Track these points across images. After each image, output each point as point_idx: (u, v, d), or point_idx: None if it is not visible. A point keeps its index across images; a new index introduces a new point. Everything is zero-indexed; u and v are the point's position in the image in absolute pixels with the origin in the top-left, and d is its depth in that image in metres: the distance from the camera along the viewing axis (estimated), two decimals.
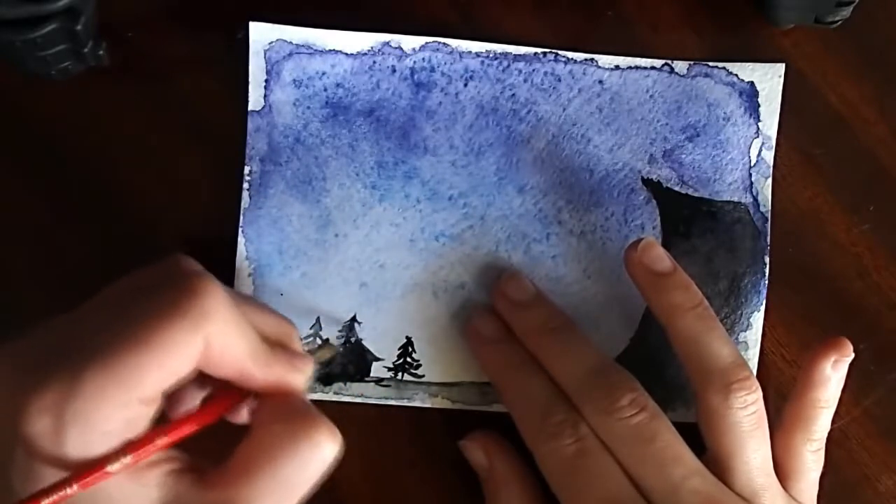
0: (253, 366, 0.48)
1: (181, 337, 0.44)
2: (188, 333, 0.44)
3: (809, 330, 0.61)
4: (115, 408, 0.43)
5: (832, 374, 0.55)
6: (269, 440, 0.47)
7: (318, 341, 0.59)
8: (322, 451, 0.47)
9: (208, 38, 0.60)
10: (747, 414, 0.53)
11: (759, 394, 0.53)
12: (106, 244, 0.59)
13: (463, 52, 0.59)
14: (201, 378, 0.48)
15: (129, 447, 0.44)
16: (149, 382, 0.44)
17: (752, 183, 0.60)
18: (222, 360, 0.47)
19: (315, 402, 0.58)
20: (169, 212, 0.59)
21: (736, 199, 0.60)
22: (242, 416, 0.50)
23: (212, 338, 0.45)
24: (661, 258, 0.55)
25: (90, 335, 0.44)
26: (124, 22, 0.60)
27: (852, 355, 0.56)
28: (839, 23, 0.59)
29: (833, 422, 0.57)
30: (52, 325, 0.47)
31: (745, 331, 0.60)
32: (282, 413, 0.48)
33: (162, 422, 0.47)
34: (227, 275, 0.59)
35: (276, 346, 0.50)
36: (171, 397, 0.48)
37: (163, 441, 0.46)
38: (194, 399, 0.50)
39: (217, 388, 0.50)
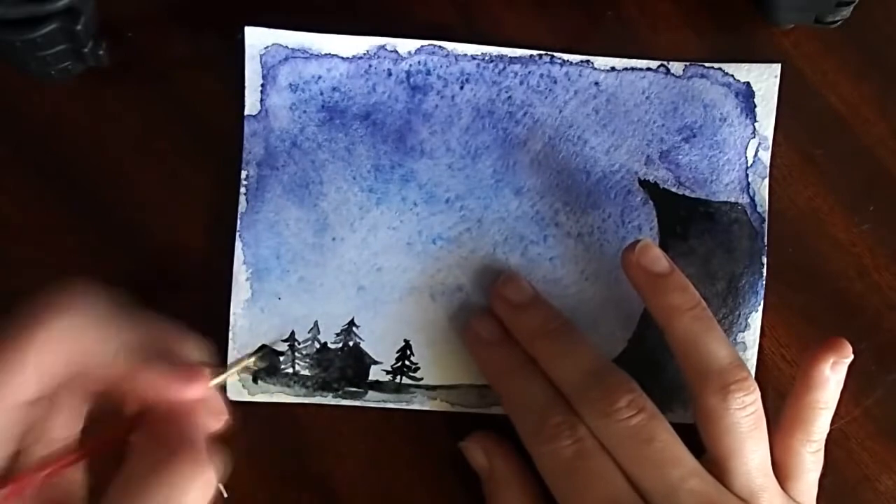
0: (123, 368, 0.47)
1: (30, 332, 0.45)
2: (36, 327, 0.45)
3: (809, 330, 0.61)
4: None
5: (831, 376, 0.55)
6: (136, 472, 0.46)
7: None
8: (187, 488, 0.45)
9: (208, 39, 0.60)
10: (745, 415, 0.53)
11: (758, 394, 0.53)
12: (104, 245, 0.59)
13: (459, 55, 0.59)
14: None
15: (5, 482, 0.45)
16: (11, 382, 0.44)
17: (748, 183, 0.60)
18: (85, 359, 0.46)
19: (313, 406, 0.58)
20: (167, 213, 0.59)
21: (733, 199, 0.60)
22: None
23: (68, 332, 0.46)
24: (659, 259, 0.55)
25: None
26: (124, 22, 0.60)
27: (851, 356, 0.56)
28: (839, 23, 0.59)
29: (833, 422, 0.56)
30: None
31: (743, 331, 0.60)
32: (156, 443, 0.47)
33: None
34: (224, 279, 0.59)
35: (157, 357, 0.49)
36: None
37: (41, 476, 0.46)
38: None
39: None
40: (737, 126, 0.60)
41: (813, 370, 0.55)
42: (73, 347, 0.46)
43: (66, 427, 0.49)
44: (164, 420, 0.48)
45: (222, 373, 0.56)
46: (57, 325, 0.45)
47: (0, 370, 0.44)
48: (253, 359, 0.58)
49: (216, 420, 0.51)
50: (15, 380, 0.45)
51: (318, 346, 0.59)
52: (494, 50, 0.60)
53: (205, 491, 0.46)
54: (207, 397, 0.50)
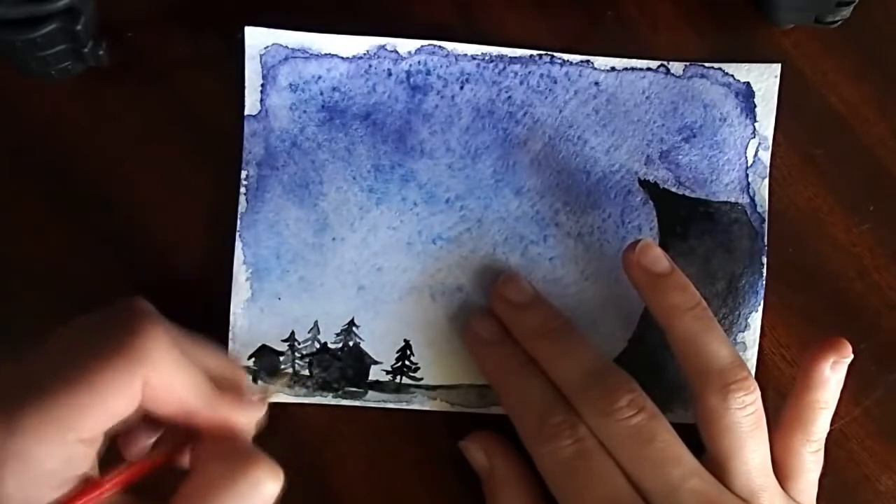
0: (197, 405, 0.48)
1: (119, 378, 0.45)
2: (125, 375, 0.45)
3: (809, 330, 0.61)
4: (54, 447, 0.44)
5: (831, 376, 0.55)
6: (208, 479, 0.47)
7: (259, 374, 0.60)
8: (262, 489, 0.47)
9: (208, 39, 0.60)
10: (746, 414, 0.53)
11: (758, 394, 0.53)
12: (104, 245, 0.59)
13: (459, 55, 0.59)
14: (154, 418, 0.48)
15: (76, 496, 0.45)
16: (87, 423, 0.44)
17: (748, 183, 0.60)
18: (166, 400, 0.47)
19: (313, 406, 0.58)
20: (167, 213, 0.59)
21: (733, 199, 0.60)
22: (186, 460, 0.51)
23: (152, 379, 0.46)
24: (660, 259, 0.55)
25: (32, 376, 0.45)
26: (124, 22, 0.60)
27: (851, 356, 0.56)
28: (839, 23, 0.59)
29: (833, 422, 0.56)
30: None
31: (743, 331, 0.60)
32: (222, 452, 0.48)
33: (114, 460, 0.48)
34: (224, 279, 0.59)
35: (225, 387, 0.50)
36: (125, 435, 0.49)
37: (108, 488, 0.47)
38: (148, 437, 0.51)
39: (168, 429, 0.51)
40: (737, 126, 0.60)
41: (813, 370, 0.55)
42: (157, 393, 0.47)
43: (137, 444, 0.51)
44: (219, 432, 0.50)
45: (270, 389, 0.57)
46: (146, 372, 0.46)
47: (110, 384, 0.45)
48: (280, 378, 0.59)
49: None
50: (103, 422, 0.46)
51: (318, 346, 0.59)
52: (494, 50, 0.60)
53: (276, 486, 0.47)
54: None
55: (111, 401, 0.45)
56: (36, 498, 0.44)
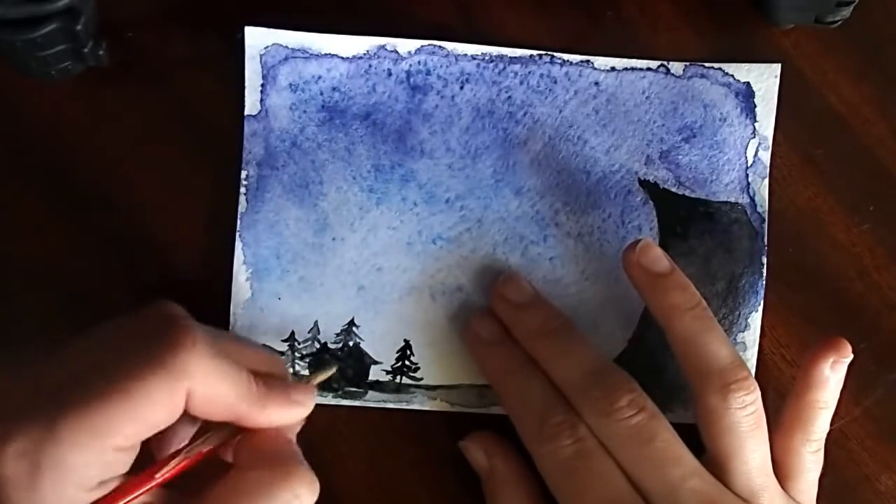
0: (247, 409, 0.48)
1: (160, 390, 0.45)
2: (167, 387, 0.45)
3: (809, 330, 0.61)
4: (91, 456, 0.44)
5: (831, 375, 0.55)
6: (247, 485, 0.47)
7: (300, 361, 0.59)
8: (299, 500, 0.47)
9: (208, 39, 0.60)
10: (746, 414, 0.53)
11: (758, 394, 0.53)
12: (104, 245, 0.59)
13: (459, 55, 0.59)
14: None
15: (114, 496, 0.46)
16: (126, 433, 0.44)
17: (748, 183, 0.60)
18: (212, 408, 0.47)
19: (314, 406, 0.58)
20: (167, 213, 0.59)
21: (733, 199, 0.60)
22: (228, 454, 0.51)
23: (196, 390, 0.46)
24: (660, 259, 0.55)
25: (69, 382, 0.45)
26: (124, 22, 0.60)
27: (851, 356, 0.56)
28: (839, 23, 0.59)
29: (833, 422, 0.56)
30: (30, 370, 0.47)
31: (743, 331, 0.60)
32: (263, 457, 0.48)
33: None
34: (224, 279, 0.59)
35: (269, 380, 0.50)
36: (160, 434, 0.48)
37: (146, 488, 0.47)
38: (185, 434, 0.51)
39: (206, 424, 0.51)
40: (737, 126, 0.60)
41: (813, 369, 0.55)
42: (197, 403, 0.47)
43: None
44: (262, 430, 0.50)
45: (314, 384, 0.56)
46: (185, 384, 0.46)
47: (151, 396, 0.45)
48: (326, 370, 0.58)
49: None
50: (140, 432, 0.46)
51: (317, 345, 0.59)
52: (494, 50, 0.60)
53: (312, 498, 0.48)
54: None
55: (150, 413, 0.45)
56: (72, 501, 0.44)
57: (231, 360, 0.48)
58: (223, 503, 0.46)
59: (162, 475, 0.47)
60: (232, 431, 0.50)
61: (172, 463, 0.48)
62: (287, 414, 0.50)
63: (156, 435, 0.47)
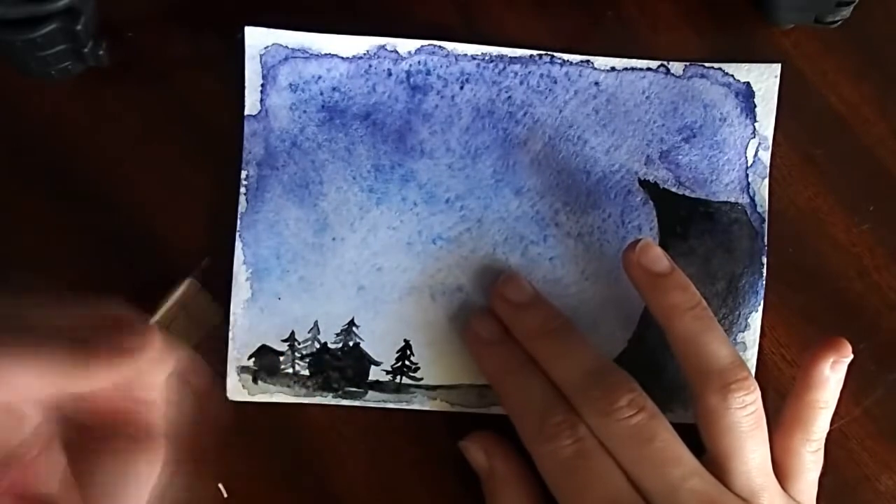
0: (66, 378, 0.42)
1: None
2: None
3: (809, 330, 0.61)
4: None
5: (831, 375, 0.55)
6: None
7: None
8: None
9: (208, 39, 0.60)
10: (746, 414, 0.53)
11: (758, 394, 0.53)
12: (104, 245, 0.59)
13: (459, 55, 0.59)
14: None
15: None
16: None
17: (748, 183, 0.60)
18: (17, 395, 0.43)
19: (313, 406, 0.59)
20: (167, 213, 0.59)
21: (733, 199, 0.60)
22: None
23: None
24: (660, 258, 0.55)
25: None
26: (124, 22, 0.60)
27: (851, 356, 0.56)
28: (839, 23, 0.59)
29: (833, 422, 0.57)
30: None
31: (743, 331, 0.60)
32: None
33: None
34: (224, 279, 0.59)
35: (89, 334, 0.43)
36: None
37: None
38: None
39: None
40: (737, 126, 0.60)
41: (813, 369, 0.55)
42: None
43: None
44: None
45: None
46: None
47: None
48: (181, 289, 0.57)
49: (165, 365, 0.47)
50: None
51: (317, 346, 0.59)
52: (494, 50, 0.60)
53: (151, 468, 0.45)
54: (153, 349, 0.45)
55: None
56: None
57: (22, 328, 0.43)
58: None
59: None
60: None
61: None
62: (121, 366, 0.44)
63: None
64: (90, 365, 0.42)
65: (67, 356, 0.42)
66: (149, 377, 0.46)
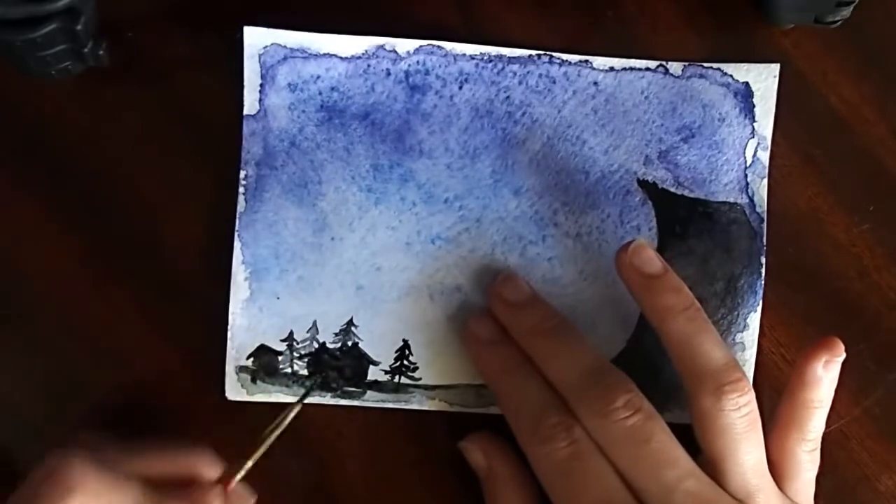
0: None
1: None
2: None
3: (809, 330, 0.61)
4: None
5: (824, 375, 0.55)
6: None
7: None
8: None
9: (208, 39, 0.60)
10: (740, 416, 0.52)
11: (752, 395, 0.53)
12: (104, 244, 0.59)
13: (457, 55, 0.59)
14: None
15: None
16: None
17: (747, 183, 0.60)
18: None
19: (312, 406, 0.59)
20: (167, 213, 0.59)
21: (732, 199, 0.60)
22: None
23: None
24: (652, 260, 0.55)
25: None
26: (124, 22, 0.60)
27: (843, 355, 0.55)
28: (839, 23, 0.59)
29: (833, 422, 0.57)
30: None
31: (742, 331, 0.60)
32: None
33: None
34: (223, 278, 0.59)
35: (169, 486, 0.50)
36: None
37: None
38: None
39: None
40: (735, 126, 0.60)
41: (805, 369, 0.55)
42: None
43: None
44: None
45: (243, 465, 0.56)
46: (87, 484, 0.46)
47: None
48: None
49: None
50: None
51: (316, 345, 0.59)
52: (493, 50, 0.60)
53: None
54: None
55: None
56: None
57: (118, 471, 0.48)
58: None
59: None
60: None
61: None
62: None
63: None
64: None
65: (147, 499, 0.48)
66: None
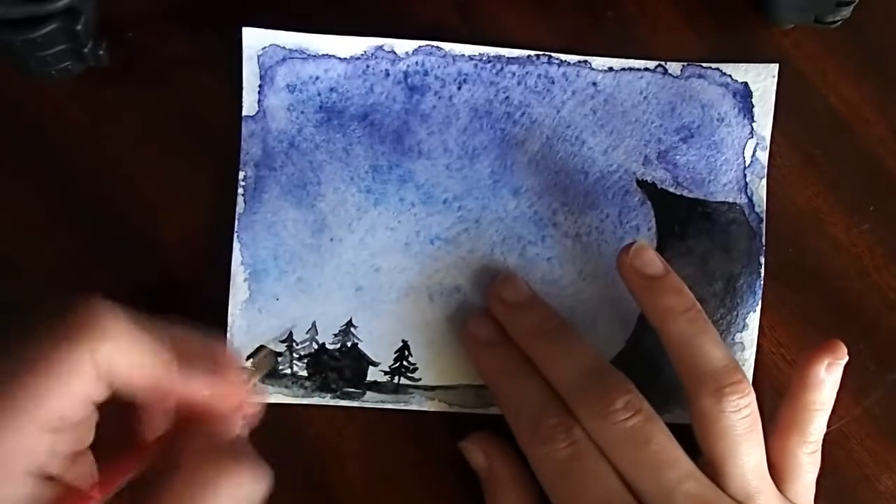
0: (167, 379, 0.47)
1: (77, 354, 0.44)
2: (70, 350, 0.44)
3: (809, 330, 0.61)
4: (22, 439, 0.43)
5: (826, 377, 0.55)
6: (190, 478, 0.46)
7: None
8: (245, 491, 0.46)
9: (208, 39, 0.60)
10: (740, 417, 0.52)
11: (753, 397, 0.53)
12: (104, 245, 0.59)
13: (456, 56, 0.59)
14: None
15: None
16: (44, 408, 0.43)
17: (746, 183, 0.60)
18: (132, 378, 0.46)
19: (312, 407, 0.59)
20: (167, 213, 0.59)
21: (731, 199, 0.60)
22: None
23: (105, 352, 0.44)
24: (653, 261, 0.55)
25: None
26: (124, 22, 0.60)
27: (846, 358, 0.55)
28: (839, 23, 0.59)
29: (833, 422, 0.56)
30: None
31: (742, 331, 0.60)
32: (206, 450, 0.47)
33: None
34: (222, 279, 0.59)
35: (200, 362, 0.49)
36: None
37: (96, 496, 0.46)
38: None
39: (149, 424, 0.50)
40: (734, 126, 0.60)
41: (808, 371, 0.55)
42: (117, 368, 0.45)
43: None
44: (206, 424, 0.49)
45: (256, 372, 0.57)
46: (99, 346, 0.44)
47: (62, 364, 0.43)
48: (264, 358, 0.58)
49: (251, 419, 0.52)
50: (62, 405, 0.44)
51: (316, 346, 0.59)
52: (492, 50, 0.60)
53: (260, 488, 0.47)
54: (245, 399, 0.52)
55: (71, 380, 0.43)
56: (20, 493, 0.43)
57: (152, 334, 0.47)
58: (170, 499, 0.45)
59: (104, 477, 0.47)
60: (169, 431, 0.49)
61: (110, 469, 0.48)
62: (216, 391, 0.49)
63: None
64: (190, 380, 0.48)
65: (174, 363, 0.47)
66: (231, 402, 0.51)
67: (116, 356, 0.45)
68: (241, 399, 0.51)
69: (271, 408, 0.59)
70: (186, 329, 0.51)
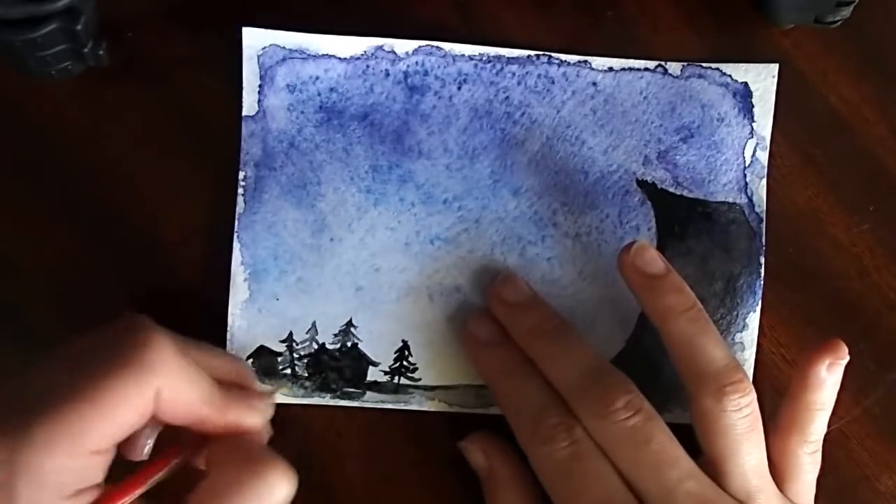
0: (209, 412, 0.49)
1: (128, 390, 0.45)
2: (135, 387, 0.45)
3: (808, 330, 0.61)
4: (65, 460, 0.44)
5: (827, 377, 0.55)
6: (223, 482, 0.47)
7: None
8: (275, 491, 0.47)
9: (208, 39, 0.60)
10: (741, 417, 0.52)
11: (753, 396, 0.53)
12: (104, 245, 0.59)
13: (456, 56, 0.59)
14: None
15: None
16: (98, 434, 0.45)
17: (746, 183, 0.60)
18: (176, 409, 0.48)
19: (312, 407, 0.59)
20: (167, 213, 0.59)
21: (731, 199, 0.60)
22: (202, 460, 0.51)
23: (162, 389, 0.46)
24: (654, 260, 0.55)
25: (41, 390, 0.45)
26: (124, 22, 0.60)
27: (847, 358, 0.55)
28: (839, 23, 0.59)
29: (833, 422, 0.56)
30: (4, 383, 0.47)
31: (742, 331, 0.60)
32: (236, 455, 0.49)
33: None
34: (222, 280, 0.59)
35: (232, 387, 0.51)
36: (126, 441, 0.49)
37: (126, 498, 0.47)
38: (149, 437, 0.51)
39: (175, 431, 0.51)
40: (734, 126, 0.60)
41: (809, 371, 0.55)
42: (167, 403, 0.47)
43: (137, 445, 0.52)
44: (230, 437, 0.51)
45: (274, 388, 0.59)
46: (155, 381, 0.46)
47: (120, 396, 0.45)
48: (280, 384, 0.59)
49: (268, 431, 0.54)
50: (113, 434, 0.46)
51: (316, 346, 0.59)
52: (492, 50, 0.60)
53: (290, 490, 0.48)
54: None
55: (122, 413, 0.45)
56: None
57: (195, 364, 0.49)
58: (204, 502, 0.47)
59: (135, 480, 0.48)
60: (201, 439, 0.51)
61: (143, 473, 0.49)
62: (247, 418, 0.51)
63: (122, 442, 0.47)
64: (228, 410, 0.50)
65: (216, 395, 0.50)
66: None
67: (167, 392, 0.47)
68: (267, 417, 0.53)
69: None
70: (214, 349, 0.53)
